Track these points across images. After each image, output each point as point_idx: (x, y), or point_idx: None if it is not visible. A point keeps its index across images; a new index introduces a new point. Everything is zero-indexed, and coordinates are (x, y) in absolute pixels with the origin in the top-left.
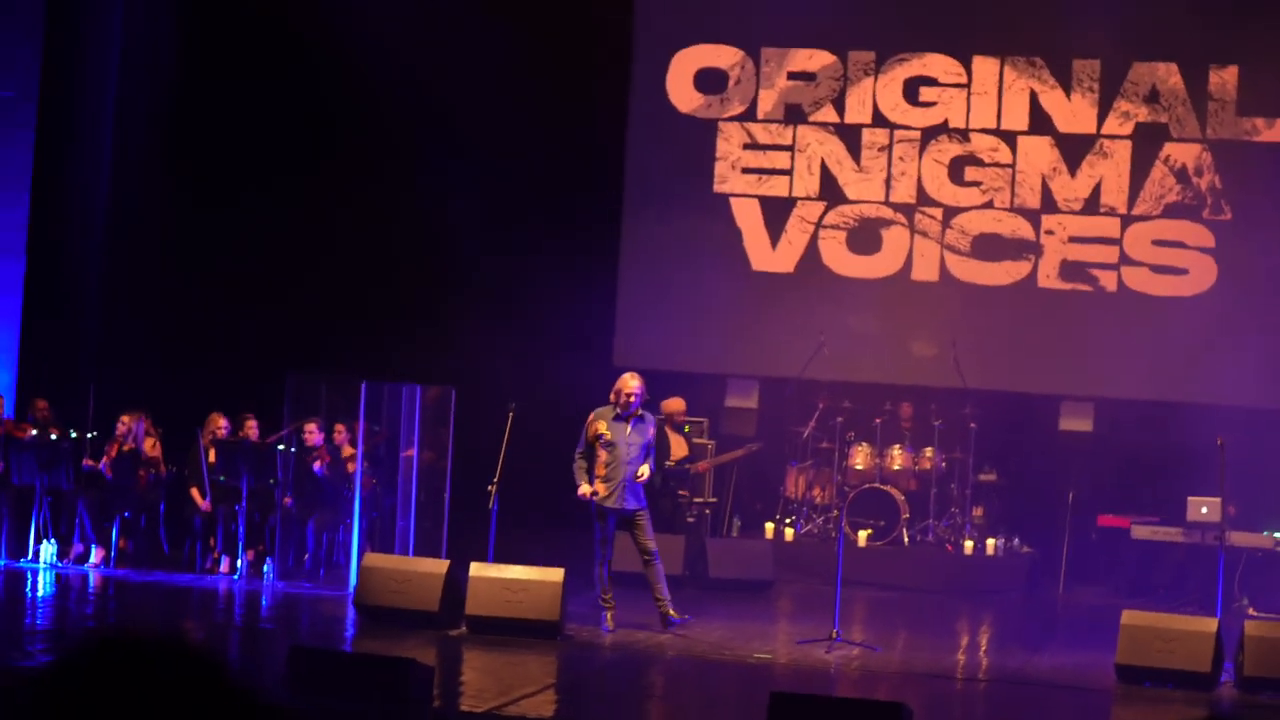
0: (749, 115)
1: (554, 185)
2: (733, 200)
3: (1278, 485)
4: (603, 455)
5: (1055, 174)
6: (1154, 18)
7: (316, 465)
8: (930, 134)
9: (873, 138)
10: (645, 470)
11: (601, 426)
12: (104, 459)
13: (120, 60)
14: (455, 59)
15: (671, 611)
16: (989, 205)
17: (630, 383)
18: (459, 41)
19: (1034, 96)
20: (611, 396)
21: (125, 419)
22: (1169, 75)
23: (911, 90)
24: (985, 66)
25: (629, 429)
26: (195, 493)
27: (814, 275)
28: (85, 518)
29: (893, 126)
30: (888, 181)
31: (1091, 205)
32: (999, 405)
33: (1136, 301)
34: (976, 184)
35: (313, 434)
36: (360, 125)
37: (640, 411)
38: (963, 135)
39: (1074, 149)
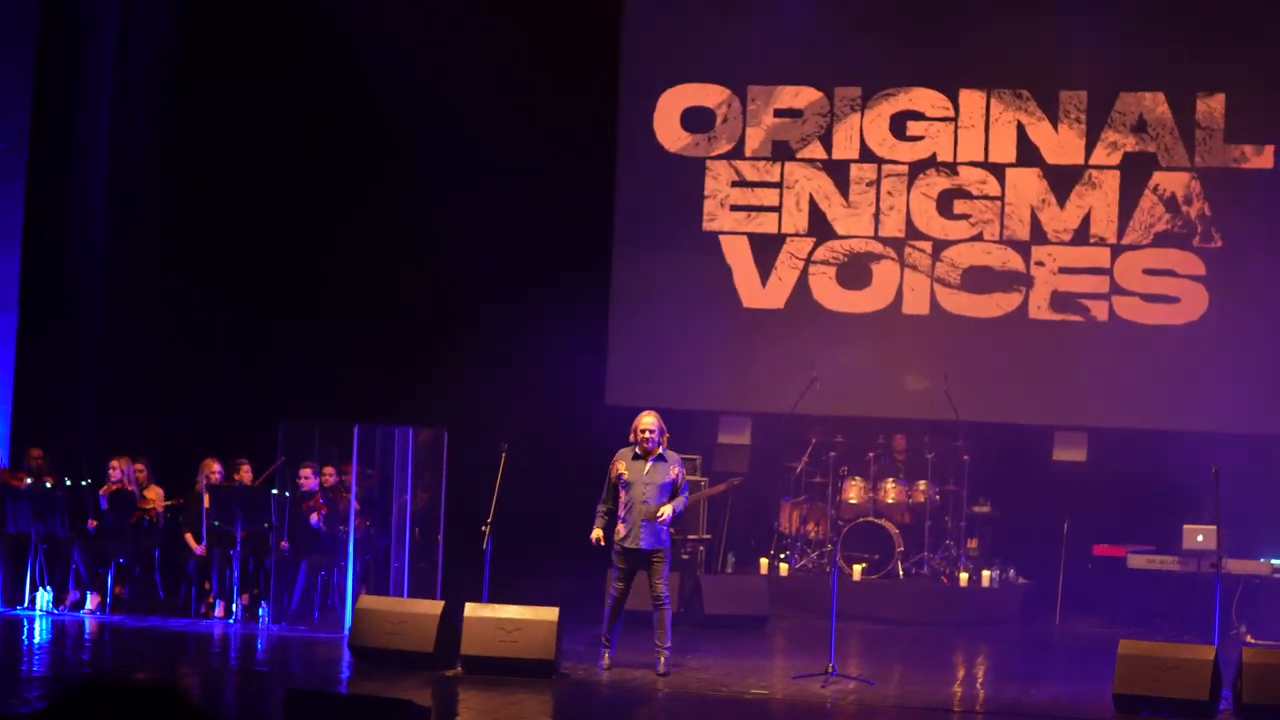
0: (737, 153)
1: (544, 225)
2: (722, 238)
3: (1273, 512)
4: (622, 495)
5: (1044, 205)
6: (1140, 47)
7: (313, 518)
8: (918, 168)
9: (860, 173)
10: (666, 510)
11: (621, 466)
12: (101, 493)
13: (111, 107)
14: (446, 98)
15: (662, 662)
16: (978, 238)
17: (645, 420)
18: (448, 80)
19: (1021, 128)
20: (630, 436)
21: (116, 463)
22: (1156, 104)
23: (898, 125)
24: (972, 100)
25: (647, 467)
26: (189, 538)
27: (805, 311)
28: (80, 565)
29: (880, 161)
30: (876, 216)
31: (1081, 236)
32: (992, 437)
33: (1128, 331)
34: (965, 217)
35: (308, 479)
36: (354, 167)
37: (660, 450)
38: (950, 169)
39: (1062, 180)
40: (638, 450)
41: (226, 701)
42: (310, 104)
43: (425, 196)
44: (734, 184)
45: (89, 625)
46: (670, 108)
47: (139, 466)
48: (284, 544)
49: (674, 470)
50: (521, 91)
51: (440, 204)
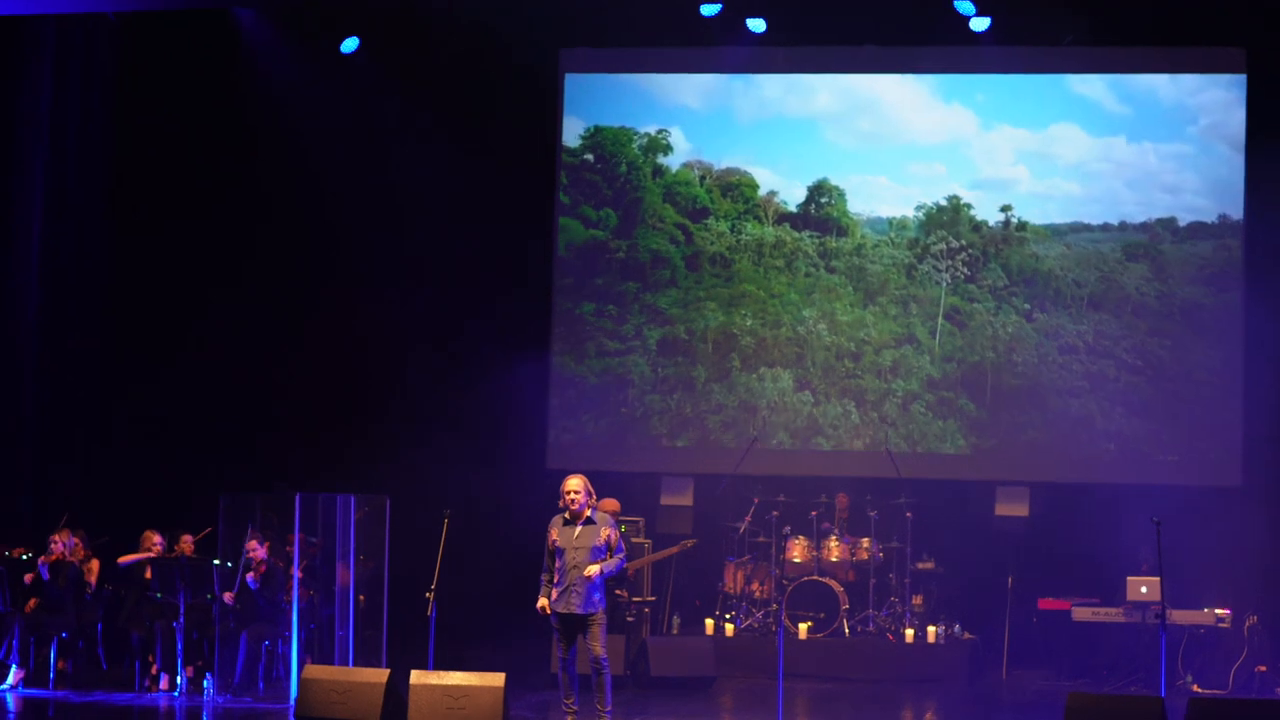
0: None
1: (483, 292)
2: None
3: (1214, 562)
4: (557, 562)
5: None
6: None
7: (249, 576)
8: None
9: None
10: (593, 568)
11: (554, 533)
12: (41, 562)
13: (45, 170)
14: (382, 177)
15: None
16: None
17: (570, 483)
18: (384, 156)
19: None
20: (559, 502)
21: (57, 536)
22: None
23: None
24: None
25: (578, 531)
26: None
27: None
28: (16, 639)
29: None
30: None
31: None
32: (934, 493)
33: (1067, 387)
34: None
35: (255, 550)
36: (296, 243)
37: (589, 513)
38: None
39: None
40: (566, 515)
41: None
42: (250, 171)
43: (366, 267)
44: None
45: (11, 701)
46: None
47: (76, 539)
48: (228, 596)
49: (605, 532)
50: (460, 161)
51: (380, 273)
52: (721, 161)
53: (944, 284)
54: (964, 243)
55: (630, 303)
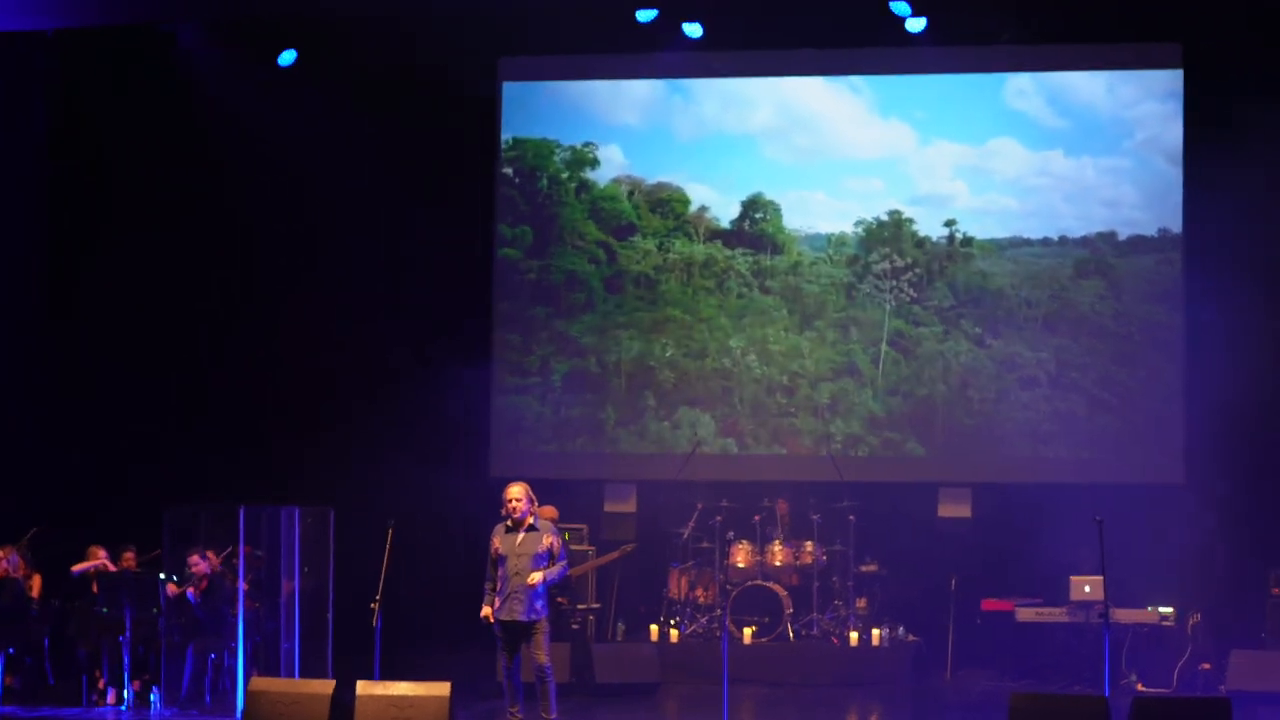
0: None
1: (423, 299)
2: None
3: (1158, 559)
4: (499, 569)
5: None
6: None
7: (189, 591)
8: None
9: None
10: (536, 576)
11: (496, 542)
12: None
13: None
14: (322, 188)
15: None
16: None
17: (511, 491)
18: (323, 167)
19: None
20: (501, 510)
21: (0, 553)
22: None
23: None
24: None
25: (520, 539)
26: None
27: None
28: None
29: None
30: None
31: None
32: (877, 496)
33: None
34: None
35: (198, 565)
36: (235, 249)
37: (531, 520)
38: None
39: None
40: (509, 523)
41: None
42: (189, 185)
43: (305, 277)
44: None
45: None
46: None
47: (20, 557)
48: (171, 587)
49: (547, 539)
50: (400, 172)
51: (320, 284)
52: (654, 177)
53: (887, 306)
54: (907, 260)
55: (538, 330)
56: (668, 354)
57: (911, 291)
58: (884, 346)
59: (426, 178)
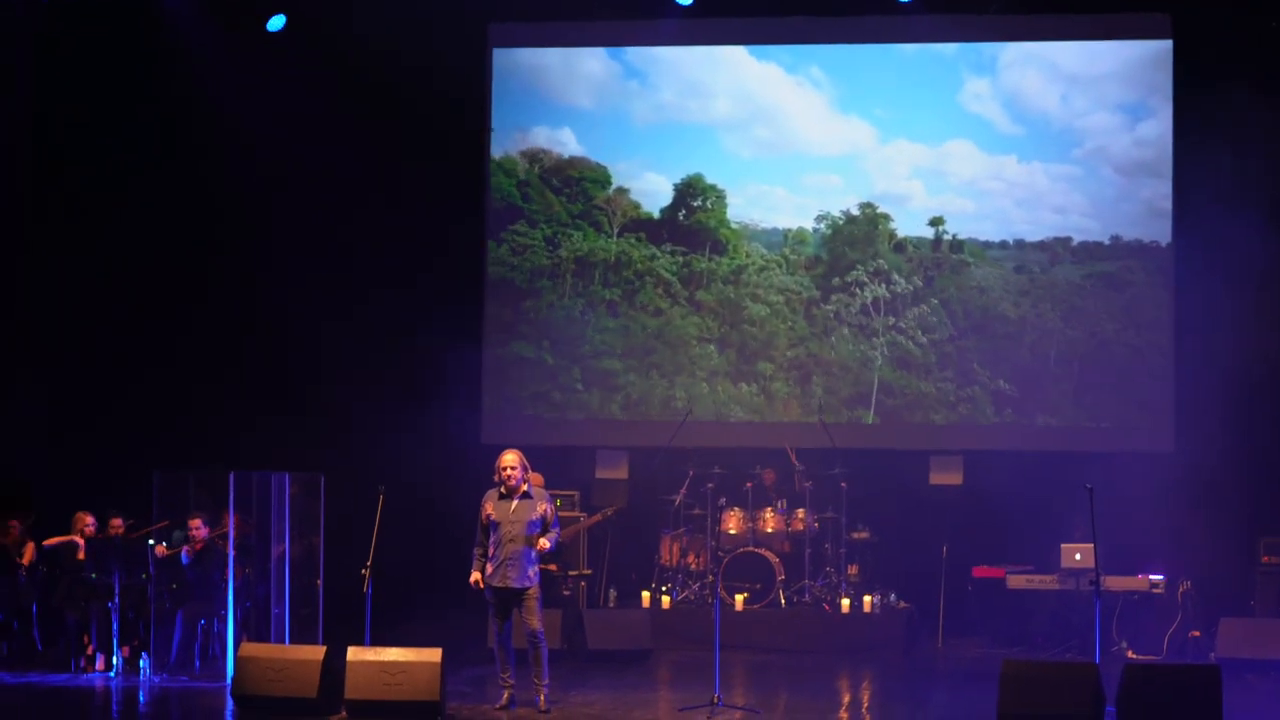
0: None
1: (415, 266)
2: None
3: (1149, 527)
4: (491, 536)
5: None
6: None
7: (184, 550)
8: None
9: None
10: (543, 541)
11: (489, 508)
12: None
13: None
14: (312, 153)
15: (542, 699)
16: None
17: (506, 458)
18: (313, 133)
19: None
20: (495, 476)
21: None
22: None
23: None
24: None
25: (514, 506)
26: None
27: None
28: None
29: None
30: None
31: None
32: (869, 463)
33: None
34: None
35: (199, 529)
36: (222, 214)
37: (525, 487)
38: None
39: None
40: (503, 490)
41: None
42: (173, 148)
43: (298, 244)
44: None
45: None
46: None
47: (13, 523)
48: (160, 549)
49: (541, 506)
50: (389, 138)
51: (312, 250)
52: (572, 151)
53: (878, 355)
54: (882, 265)
55: (526, 298)
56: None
57: (890, 316)
58: (870, 413)
59: (417, 143)
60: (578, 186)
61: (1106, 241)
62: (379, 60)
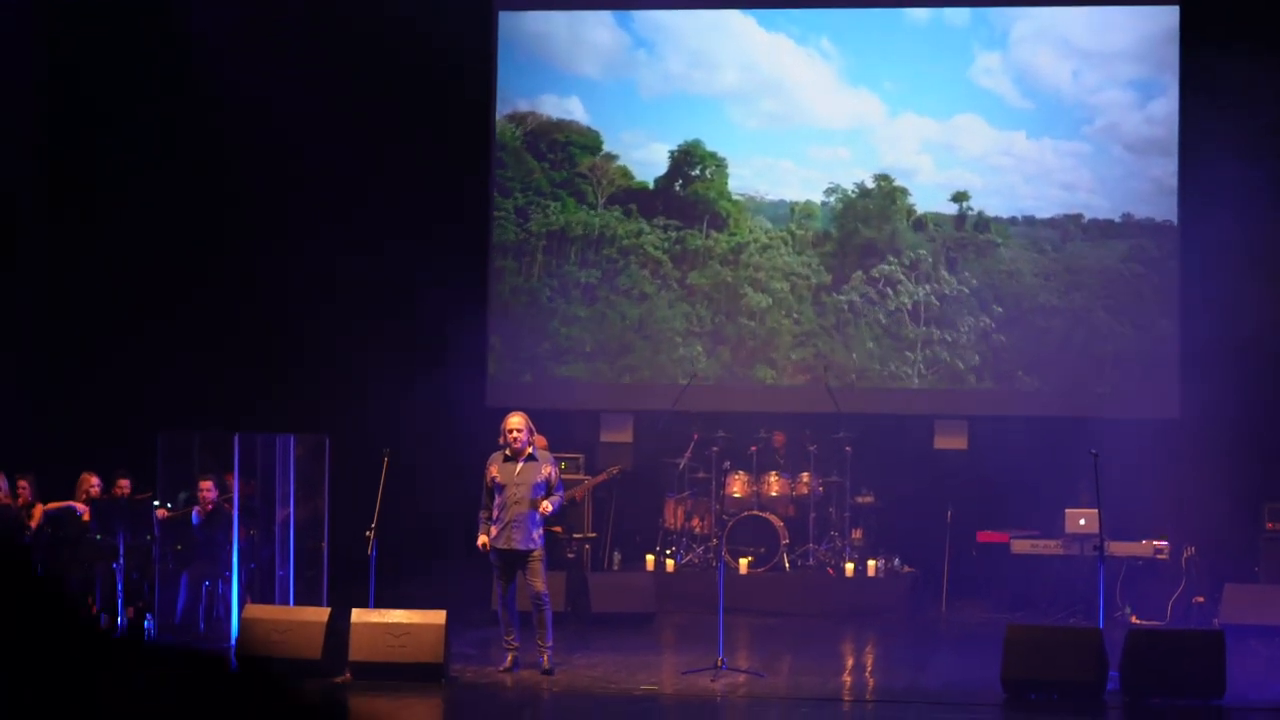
0: None
1: (421, 227)
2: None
3: (1153, 493)
4: (496, 498)
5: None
6: None
7: (195, 511)
8: None
9: None
10: (547, 503)
11: (494, 470)
12: None
13: None
14: (322, 113)
15: (545, 660)
16: None
17: (511, 420)
18: (322, 92)
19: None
20: (500, 439)
21: None
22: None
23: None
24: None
25: (519, 468)
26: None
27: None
28: None
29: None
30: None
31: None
32: (873, 427)
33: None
34: None
35: (210, 490)
36: (227, 176)
37: (530, 450)
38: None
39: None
40: (508, 452)
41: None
42: (182, 115)
43: (302, 204)
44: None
45: None
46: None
47: (23, 484)
48: (193, 510)
49: (546, 469)
50: (397, 97)
51: (317, 211)
52: (562, 114)
53: (913, 371)
54: (908, 256)
55: (534, 259)
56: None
57: (907, 299)
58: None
59: (425, 102)
60: (563, 152)
61: (1117, 219)
62: (385, 26)
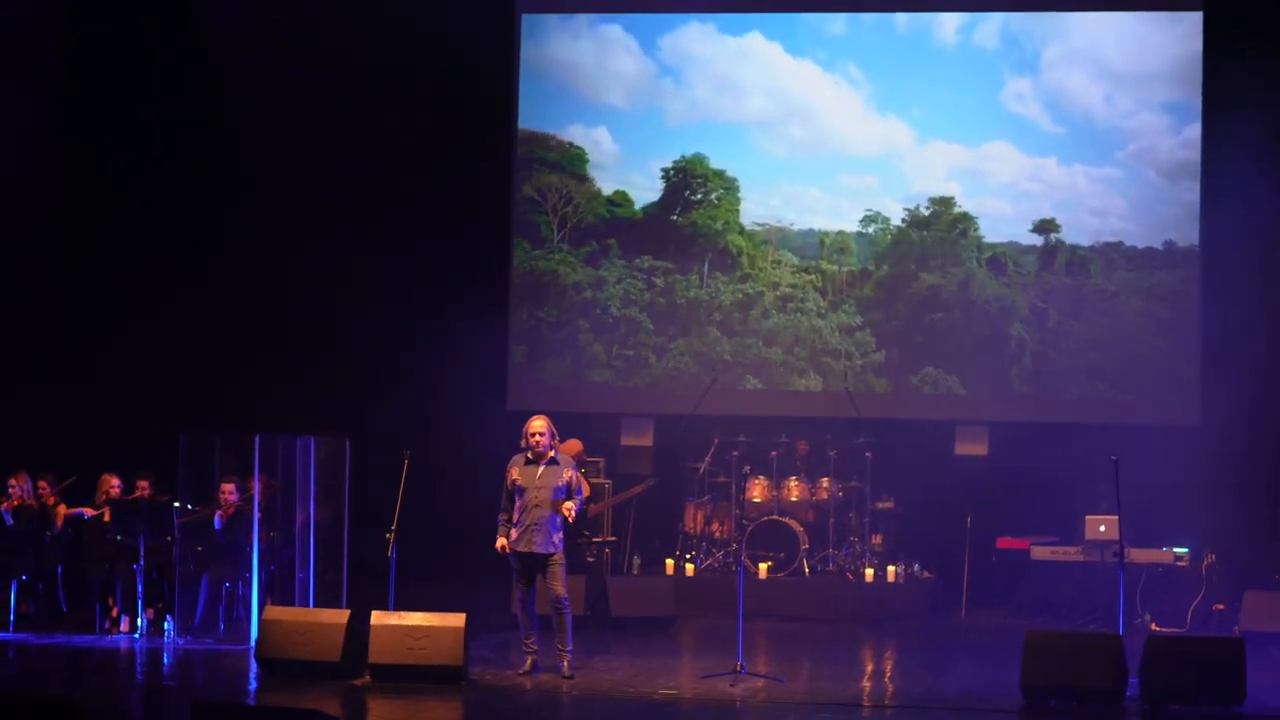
0: None
1: (442, 232)
2: None
3: (1174, 500)
4: (517, 501)
5: None
6: None
7: (216, 515)
8: None
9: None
10: (570, 504)
11: (515, 473)
12: (3, 508)
13: None
14: (341, 114)
15: (566, 665)
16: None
17: (534, 424)
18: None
19: None
20: (522, 442)
21: (14, 480)
22: None
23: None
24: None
25: (540, 471)
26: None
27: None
28: None
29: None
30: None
31: None
32: (893, 433)
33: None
34: None
35: (232, 493)
36: (248, 179)
37: (552, 453)
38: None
39: None
40: (529, 455)
41: (133, 717)
42: (198, 111)
43: (325, 207)
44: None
45: None
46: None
47: (43, 484)
48: (215, 514)
49: (567, 473)
50: (419, 98)
51: (339, 213)
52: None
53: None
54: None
55: (555, 263)
56: None
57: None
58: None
59: (447, 104)
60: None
61: (1145, 246)
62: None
